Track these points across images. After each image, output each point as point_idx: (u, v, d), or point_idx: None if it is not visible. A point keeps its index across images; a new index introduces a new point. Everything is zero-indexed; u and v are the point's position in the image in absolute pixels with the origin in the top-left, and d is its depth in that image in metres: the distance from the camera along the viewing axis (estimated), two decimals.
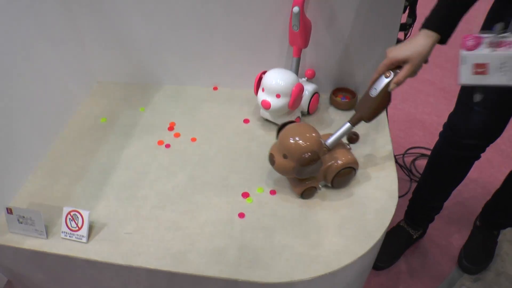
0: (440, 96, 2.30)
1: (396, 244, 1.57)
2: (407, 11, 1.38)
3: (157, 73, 1.51)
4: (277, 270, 0.94)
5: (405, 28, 1.38)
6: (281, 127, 1.05)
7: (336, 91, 1.40)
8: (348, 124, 1.08)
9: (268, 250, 0.98)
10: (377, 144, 1.23)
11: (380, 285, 1.51)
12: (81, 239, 1.02)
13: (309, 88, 1.32)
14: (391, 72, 1.02)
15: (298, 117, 1.30)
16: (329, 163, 1.04)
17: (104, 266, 0.99)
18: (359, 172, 1.14)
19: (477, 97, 1.03)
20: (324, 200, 1.08)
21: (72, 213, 1.02)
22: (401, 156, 1.97)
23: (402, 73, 0.99)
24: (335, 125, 1.32)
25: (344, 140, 1.10)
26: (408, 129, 2.10)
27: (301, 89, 1.21)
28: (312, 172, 1.02)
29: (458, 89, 1.29)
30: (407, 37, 1.41)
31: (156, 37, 1.39)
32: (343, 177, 1.07)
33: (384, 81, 1.03)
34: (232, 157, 1.22)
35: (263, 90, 1.23)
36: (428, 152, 1.77)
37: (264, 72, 1.25)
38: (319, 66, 1.39)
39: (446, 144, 1.37)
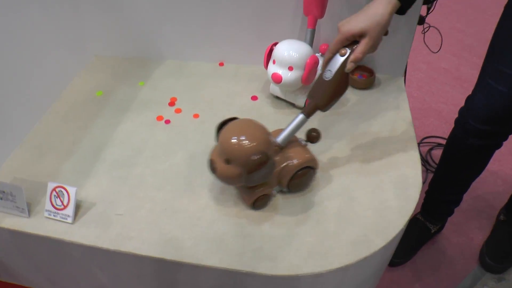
0: (456, 85, 2.16)
1: (413, 238, 1.44)
2: None
3: (158, 48, 1.38)
4: (285, 262, 0.81)
5: (429, 1, 1.24)
6: (220, 126, 0.87)
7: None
8: (301, 116, 0.90)
9: (276, 238, 0.85)
10: (397, 126, 1.10)
11: (394, 283, 1.39)
12: (66, 219, 0.90)
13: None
14: (347, 49, 0.86)
15: None
16: (283, 165, 0.87)
17: (91, 250, 0.86)
18: (378, 155, 1.01)
19: None
20: (339, 186, 0.95)
21: (57, 190, 0.90)
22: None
23: (359, 48, 0.84)
24: (351, 105, 1.19)
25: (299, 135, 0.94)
26: (424, 118, 1.97)
27: (316, 62, 1.08)
28: (263, 177, 0.84)
29: (476, 77, 1.17)
30: (429, 11, 1.27)
31: (158, 9, 1.28)
32: (301, 178, 0.90)
33: (339, 60, 0.86)
34: None
35: (274, 62, 1.11)
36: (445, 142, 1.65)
37: (276, 44, 1.12)
38: (331, 38, 1.25)
39: (463, 131, 1.24)
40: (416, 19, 1.22)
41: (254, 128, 0.84)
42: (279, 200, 0.92)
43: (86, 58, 1.40)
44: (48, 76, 1.21)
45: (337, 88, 0.89)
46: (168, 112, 1.17)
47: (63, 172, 1.02)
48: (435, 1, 1.24)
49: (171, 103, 1.21)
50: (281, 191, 0.94)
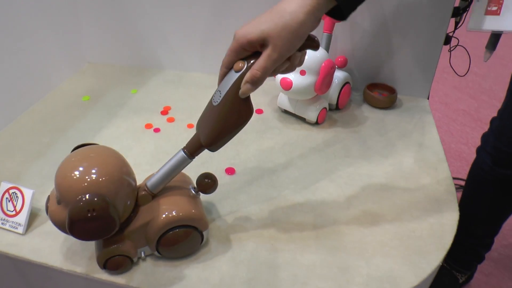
0: (477, 127, 1.99)
1: None
2: None
3: (158, 57, 1.25)
4: None
5: (458, 13, 1.09)
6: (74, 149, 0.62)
7: (371, 87, 1.11)
8: (180, 153, 0.63)
9: (275, 268, 0.65)
10: (425, 147, 0.92)
11: None
12: (17, 228, 0.71)
13: (339, 76, 1.03)
14: (245, 62, 0.57)
15: (325, 108, 1.00)
16: (149, 219, 0.62)
17: (41, 269, 0.67)
18: (405, 177, 0.83)
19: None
20: (357, 210, 0.76)
21: (11, 191, 0.73)
22: None
23: (258, 63, 0.55)
24: (370, 123, 1.02)
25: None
26: None
27: (332, 67, 0.92)
28: (97, 233, 0.58)
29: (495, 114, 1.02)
30: (458, 26, 1.12)
31: (160, 19, 1.17)
32: (177, 243, 0.64)
33: (233, 77, 0.57)
34: (236, 148, 0.92)
35: None
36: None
37: None
38: (353, 53, 1.11)
39: (489, 160, 1.06)
40: (442, 37, 1.07)
41: (105, 157, 0.59)
42: (281, 224, 0.73)
43: (78, 62, 1.26)
44: (37, 79, 1.09)
45: (226, 118, 0.58)
46: (159, 121, 1.01)
47: (28, 174, 0.85)
48: (465, 13, 1.08)
49: (164, 112, 1.04)
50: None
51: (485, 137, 1.10)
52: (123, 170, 0.60)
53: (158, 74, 1.23)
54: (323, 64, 0.91)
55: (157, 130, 0.98)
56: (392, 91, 1.10)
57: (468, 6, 1.06)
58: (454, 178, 0.86)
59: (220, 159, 0.88)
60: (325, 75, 0.91)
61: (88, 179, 0.55)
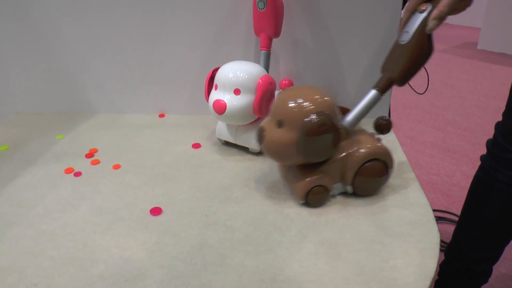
0: (446, 157, 1.89)
1: None
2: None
3: (90, 101, 1.12)
4: None
5: None
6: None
7: None
8: (373, 91, 0.72)
9: None
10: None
11: None
12: None
13: None
14: (428, 4, 0.67)
15: None
16: (349, 151, 0.68)
17: None
18: (370, 201, 0.69)
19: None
20: (312, 242, 0.61)
21: None
22: None
23: (444, 1, 0.64)
24: None
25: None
26: None
27: (271, 83, 0.80)
28: (324, 150, 0.65)
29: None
30: None
31: (90, 61, 1.07)
32: (370, 176, 0.69)
33: (418, 18, 0.67)
34: (167, 186, 0.77)
35: (216, 87, 0.82)
36: (448, 216, 1.35)
37: (218, 69, 0.84)
38: (298, 74, 1.00)
39: (498, 163, 0.94)
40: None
41: (317, 92, 0.66)
42: (213, 276, 0.58)
43: (5, 113, 1.12)
44: None
45: (416, 53, 0.68)
46: (82, 164, 0.86)
47: None
48: None
49: (89, 155, 0.90)
50: (345, 194, 0.72)
51: (490, 142, 0.99)
52: (334, 103, 0.66)
53: (90, 118, 1.09)
54: (260, 81, 0.79)
55: (77, 174, 0.82)
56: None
57: None
58: (435, 210, 0.73)
59: (146, 199, 0.73)
60: (262, 92, 0.79)
61: (315, 104, 0.63)
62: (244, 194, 0.74)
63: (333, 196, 0.71)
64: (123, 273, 0.57)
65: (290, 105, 0.63)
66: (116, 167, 0.84)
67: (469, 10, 0.71)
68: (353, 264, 0.57)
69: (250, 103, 0.79)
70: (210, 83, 0.85)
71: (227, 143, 0.92)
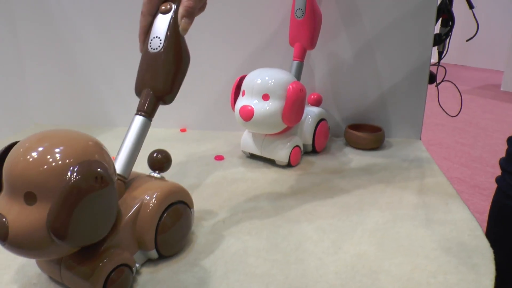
0: (475, 193, 1.80)
1: None
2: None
3: (109, 115, 1.08)
4: None
5: (440, 40, 0.94)
6: (5, 150, 0.42)
7: (353, 128, 0.92)
8: (140, 118, 0.55)
9: None
10: (428, 182, 0.72)
11: None
12: None
13: (313, 111, 0.85)
14: (169, 3, 0.56)
15: (298, 147, 0.80)
16: (136, 206, 0.48)
17: None
18: (410, 215, 0.61)
19: None
20: (347, 254, 0.53)
21: None
22: None
23: None
24: (356, 163, 0.82)
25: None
26: None
27: (301, 90, 0.74)
28: (104, 219, 0.42)
29: (494, 186, 0.87)
30: (442, 56, 0.97)
31: (112, 74, 1.03)
32: (174, 227, 0.51)
33: (164, 20, 0.55)
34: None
35: (243, 93, 0.76)
36: None
37: (245, 76, 0.79)
38: (329, 90, 0.95)
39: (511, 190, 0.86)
40: (426, 79, 0.93)
41: (69, 134, 0.43)
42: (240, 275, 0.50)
43: (23, 123, 1.08)
44: None
45: (178, 59, 0.55)
46: None
47: None
48: (448, 38, 0.94)
49: None
50: (150, 262, 0.52)
51: (504, 160, 0.90)
52: (100, 145, 0.45)
53: (108, 131, 1.04)
54: (290, 87, 0.73)
55: None
56: (377, 128, 0.92)
57: (450, 31, 0.92)
58: None
59: None
60: (293, 99, 0.72)
61: (76, 150, 0.40)
62: (270, 204, 0.66)
63: (137, 272, 0.49)
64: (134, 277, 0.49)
65: (39, 162, 0.38)
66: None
67: (491, 53, 0.64)
68: (396, 278, 0.48)
69: (279, 110, 0.73)
70: (237, 91, 0.79)
71: (252, 156, 0.85)
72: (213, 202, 0.67)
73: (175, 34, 0.54)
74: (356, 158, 0.85)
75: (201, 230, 0.59)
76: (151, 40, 0.55)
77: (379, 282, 0.48)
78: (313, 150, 0.86)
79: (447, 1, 0.92)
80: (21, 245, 0.37)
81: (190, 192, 0.55)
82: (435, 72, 0.97)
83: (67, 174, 0.38)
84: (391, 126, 0.96)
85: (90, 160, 0.40)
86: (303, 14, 0.82)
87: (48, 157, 0.38)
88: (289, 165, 0.80)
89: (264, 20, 0.92)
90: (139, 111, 0.54)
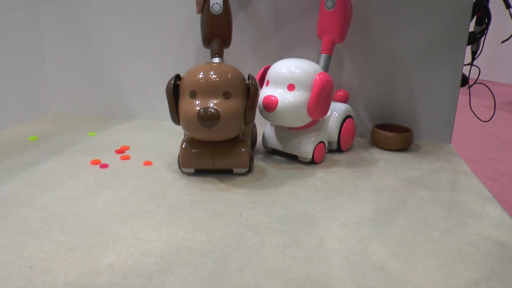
0: (506, 208, 1.69)
1: None
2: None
3: (128, 106, 1.05)
4: None
5: (474, 39, 0.88)
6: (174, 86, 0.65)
7: (380, 128, 0.87)
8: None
9: None
10: (461, 185, 0.66)
11: None
12: None
13: (340, 107, 0.80)
14: None
15: (322, 143, 0.75)
16: None
17: None
18: (443, 217, 0.56)
19: None
20: (376, 255, 0.48)
21: None
22: None
23: None
24: (383, 164, 0.76)
25: None
26: None
27: (329, 81, 0.69)
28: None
29: None
30: (476, 56, 0.91)
31: (131, 65, 1.00)
32: None
33: None
34: (202, 184, 0.65)
35: (267, 83, 0.72)
36: None
37: (269, 67, 0.74)
38: (355, 87, 0.89)
39: None
40: (458, 80, 0.87)
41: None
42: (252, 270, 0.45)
43: (40, 111, 1.06)
44: None
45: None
46: (111, 158, 0.76)
47: None
48: (483, 37, 0.88)
49: (120, 151, 0.80)
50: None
51: None
52: None
53: (126, 122, 1.00)
54: (317, 77, 0.68)
55: (104, 166, 0.72)
56: (405, 129, 0.86)
57: (486, 29, 0.86)
58: None
59: (177, 195, 0.62)
60: (320, 89, 0.67)
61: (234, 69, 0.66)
62: (292, 199, 0.61)
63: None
64: (138, 266, 0.44)
65: (228, 72, 0.64)
66: (147, 163, 0.74)
67: None
68: (432, 283, 0.43)
69: (305, 101, 0.68)
70: (261, 82, 0.75)
71: (274, 152, 0.80)
72: (230, 195, 0.62)
73: (227, 1, 0.80)
74: (383, 158, 0.79)
75: (216, 221, 0.54)
76: (213, 5, 0.79)
77: (413, 286, 0.42)
78: (338, 149, 0.81)
79: None
80: (225, 122, 0.61)
81: (203, 180, 0.50)
82: (468, 73, 0.91)
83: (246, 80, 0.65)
84: (420, 128, 0.90)
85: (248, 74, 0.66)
86: (334, 5, 0.77)
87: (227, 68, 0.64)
88: (312, 162, 0.74)
89: (292, 11, 0.88)
90: (215, 55, 0.79)
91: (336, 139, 0.79)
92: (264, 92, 0.71)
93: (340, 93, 0.86)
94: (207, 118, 0.60)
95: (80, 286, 0.41)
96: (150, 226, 0.53)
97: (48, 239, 0.49)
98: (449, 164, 0.77)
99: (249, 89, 0.64)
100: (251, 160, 0.69)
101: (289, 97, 0.68)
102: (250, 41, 0.91)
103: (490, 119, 0.96)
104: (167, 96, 0.63)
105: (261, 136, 0.80)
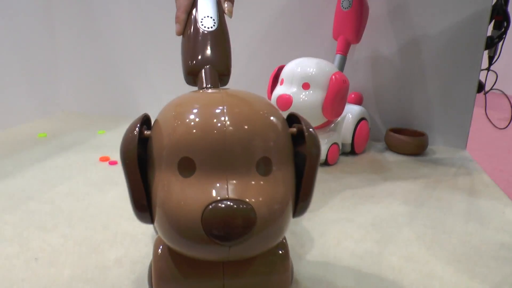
0: None
1: None
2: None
3: (138, 105, 1.04)
4: None
5: (492, 44, 0.86)
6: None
7: (394, 132, 0.85)
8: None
9: None
10: (477, 190, 0.64)
11: None
12: None
13: (354, 109, 0.78)
14: None
15: (336, 144, 0.73)
16: None
17: None
18: (460, 220, 0.53)
19: None
20: (395, 256, 0.46)
21: None
22: None
23: None
24: (398, 168, 0.74)
25: None
26: None
27: (345, 81, 0.68)
28: None
29: None
30: (493, 61, 0.89)
31: (143, 65, 1.00)
32: None
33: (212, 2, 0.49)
34: None
35: (281, 82, 0.70)
36: None
37: (283, 66, 0.73)
38: (369, 90, 0.88)
39: None
40: (475, 86, 0.84)
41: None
42: None
43: (50, 109, 1.05)
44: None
45: (228, 40, 0.47)
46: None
47: None
48: (502, 39, 0.86)
49: None
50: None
51: None
52: None
53: None
54: (333, 77, 0.67)
55: (113, 162, 0.71)
56: (419, 133, 0.84)
57: (504, 33, 0.84)
58: None
59: None
60: (336, 89, 0.66)
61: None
62: None
63: None
64: (146, 261, 0.42)
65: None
66: None
67: None
68: (455, 286, 0.40)
69: (320, 100, 0.66)
70: (275, 82, 0.73)
71: None
72: None
73: (222, 13, 0.49)
74: (398, 161, 0.77)
75: None
76: (202, 19, 0.48)
77: None
78: (352, 151, 0.79)
79: (503, 1, 0.84)
80: (263, 229, 0.30)
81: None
82: (485, 78, 0.89)
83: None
84: (435, 133, 0.87)
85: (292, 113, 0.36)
86: (350, 5, 0.76)
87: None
88: (326, 163, 0.72)
89: (307, 11, 0.86)
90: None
91: (350, 141, 0.77)
92: (278, 91, 0.69)
93: (354, 96, 0.84)
94: (231, 228, 0.28)
95: (86, 280, 0.39)
96: None
97: (54, 233, 0.47)
98: (466, 169, 0.75)
99: (296, 144, 0.34)
100: (292, 272, 0.39)
101: (304, 96, 0.66)
102: (261, 41, 0.90)
103: (506, 127, 0.94)
104: (124, 164, 0.33)
105: None
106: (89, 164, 0.70)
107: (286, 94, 0.67)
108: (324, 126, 0.72)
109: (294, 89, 0.67)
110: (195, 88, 0.43)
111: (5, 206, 0.53)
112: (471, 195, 0.63)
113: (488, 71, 0.88)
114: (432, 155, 0.82)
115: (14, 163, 0.69)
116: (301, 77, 0.67)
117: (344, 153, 0.79)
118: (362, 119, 0.79)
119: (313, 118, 0.68)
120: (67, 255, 0.43)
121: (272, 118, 0.32)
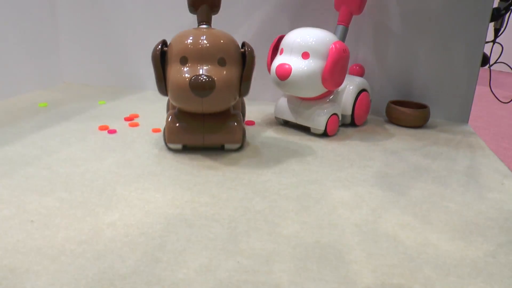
0: None
1: None
2: None
3: (140, 77, 1.03)
4: None
5: (498, 15, 0.84)
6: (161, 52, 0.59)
7: (395, 104, 0.83)
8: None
9: None
10: (479, 162, 0.63)
11: None
12: None
13: (355, 80, 0.77)
14: None
15: (336, 115, 0.72)
16: None
17: None
18: (460, 191, 0.53)
19: None
20: (390, 223, 0.46)
21: None
22: None
23: None
24: (398, 139, 0.73)
25: None
26: None
27: (345, 51, 0.66)
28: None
29: None
30: (499, 33, 0.87)
31: (145, 37, 0.97)
32: None
33: None
34: (213, 152, 0.63)
35: (281, 52, 0.69)
36: None
37: (283, 36, 0.71)
38: (371, 62, 0.86)
39: None
40: (479, 59, 0.82)
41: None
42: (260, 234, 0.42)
43: (57, 83, 1.04)
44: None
45: None
46: (119, 125, 0.74)
47: None
48: (508, 13, 0.84)
49: (129, 118, 0.78)
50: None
51: None
52: None
53: (137, 93, 0.98)
54: (333, 46, 0.65)
55: (112, 131, 0.71)
56: (421, 105, 0.83)
57: (511, 5, 0.82)
58: None
59: (187, 161, 0.60)
60: (335, 58, 0.64)
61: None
62: (303, 168, 0.59)
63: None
64: (140, 225, 0.42)
65: (222, 41, 0.58)
66: (156, 130, 0.72)
67: None
68: (448, 254, 0.40)
69: (319, 70, 0.65)
70: (274, 52, 0.72)
71: (286, 123, 0.78)
72: (239, 162, 0.60)
73: None
74: (398, 133, 0.76)
75: (224, 186, 0.52)
76: None
77: (427, 256, 0.40)
78: (352, 123, 0.78)
79: None
80: (220, 92, 0.55)
81: (217, 151, 0.48)
82: (490, 51, 0.87)
83: (240, 48, 0.59)
84: (437, 106, 0.86)
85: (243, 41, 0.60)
86: None
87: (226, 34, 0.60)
88: (325, 134, 0.72)
89: None
90: (202, 22, 0.63)
91: (350, 112, 0.76)
92: (278, 60, 0.68)
93: (356, 67, 0.83)
94: (201, 87, 0.53)
95: (80, 241, 0.39)
96: (155, 188, 0.51)
97: (51, 197, 0.47)
98: (467, 141, 0.74)
99: (244, 57, 0.58)
100: (244, 135, 0.62)
101: (303, 66, 0.65)
102: (262, 11, 0.88)
103: (510, 101, 0.92)
104: (153, 63, 0.57)
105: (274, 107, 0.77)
106: (88, 133, 0.69)
107: (286, 64, 0.66)
108: (324, 97, 0.71)
109: (294, 59, 0.66)
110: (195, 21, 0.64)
111: (3, 171, 0.53)
112: (471, 167, 0.62)
113: (493, 44, 0.86)
114: (433, 127, 0.81)
115: (14, 130, 0.69)
116: (300, 47, 0.66)
117: (344, 125, 0.79)
118: (363, 90, 0.77)
119: (312, 88, 0.67)
120: (62, 218, 0.43)
121: (228, 40, 0.58)
